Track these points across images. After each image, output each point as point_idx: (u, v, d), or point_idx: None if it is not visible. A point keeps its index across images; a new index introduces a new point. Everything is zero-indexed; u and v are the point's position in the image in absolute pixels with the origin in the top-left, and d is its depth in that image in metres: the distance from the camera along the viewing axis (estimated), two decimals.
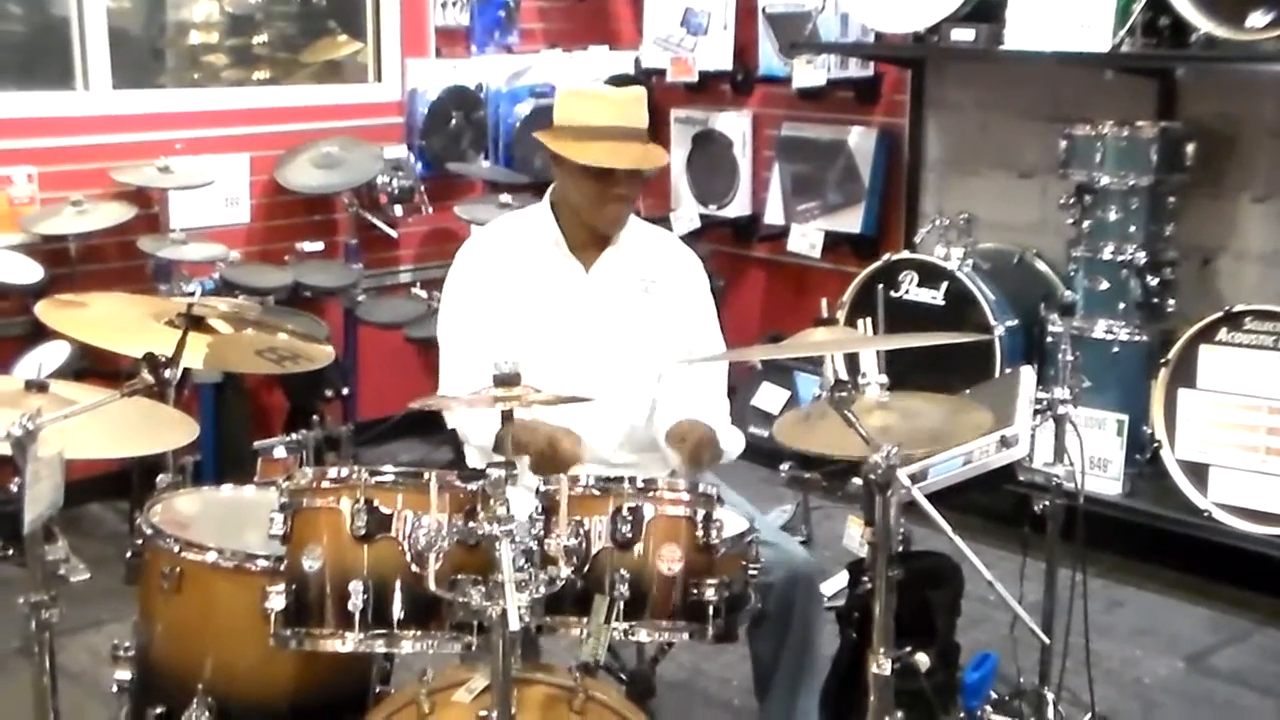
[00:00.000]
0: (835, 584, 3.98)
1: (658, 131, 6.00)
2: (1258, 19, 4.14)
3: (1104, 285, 4.64)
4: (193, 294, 3.05)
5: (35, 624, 2.36)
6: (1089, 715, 3.43)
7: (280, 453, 3.07)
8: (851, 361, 2.89)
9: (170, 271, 4.87)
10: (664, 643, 2.70)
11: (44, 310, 2.95)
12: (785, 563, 2.92)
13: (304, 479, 2.42)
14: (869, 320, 3.19)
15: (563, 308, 3.11)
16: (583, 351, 3.06)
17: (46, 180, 4.87)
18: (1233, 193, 4.77)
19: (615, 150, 2.98)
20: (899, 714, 2.51)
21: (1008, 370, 4.52)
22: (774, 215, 6.02)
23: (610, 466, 3.01)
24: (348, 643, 2.34)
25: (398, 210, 5.59)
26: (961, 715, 3.27)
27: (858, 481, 2.48)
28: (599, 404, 2.68)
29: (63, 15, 5.04)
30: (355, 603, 2.32)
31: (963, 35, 4.89)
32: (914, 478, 2.53)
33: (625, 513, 2.41)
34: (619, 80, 5.98)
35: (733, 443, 3.09)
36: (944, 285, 4.87)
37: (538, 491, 2.45)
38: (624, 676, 2.98)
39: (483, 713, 2.21)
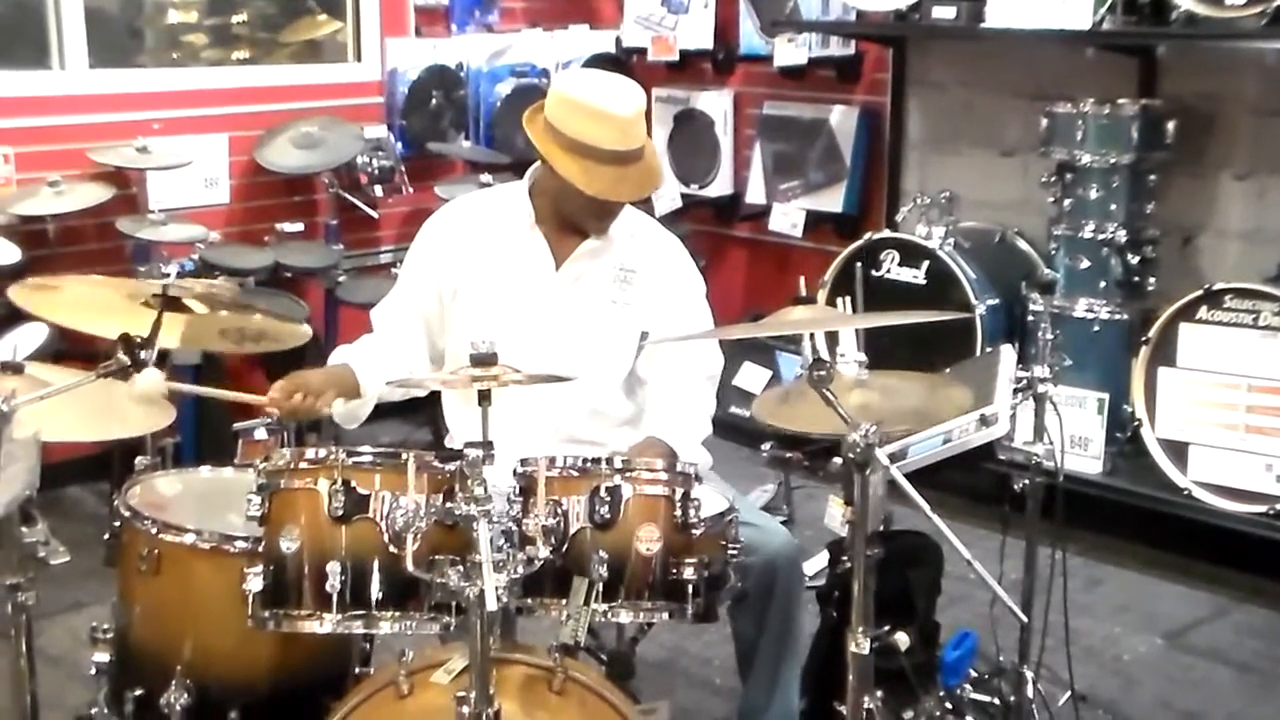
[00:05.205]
0: (816, 564, 3.98)
1: None
2: None
3: (1085, 263, 4.65)
4: (168, 275, 3.03)
5: (12, 607, 2.35)
6: (1068, 693, 3.43)
7: (261, 434, 3.04)
8: (832, 341, 2.89)
9: (149, 252, 4.85)
10: (644, 623, 2.70)
11: (18, 293, 2.92)
12: (766, 544, 2.91)
13: (281, 460, 2.42)
14: (848, 299, 3.19)
15: (527, 298, 3.06)
16: (541, 339, 3.01)
17: (23, 161, 4.83)
18: (1213, 170, 4.77)
19: (620, 180, 2.92)
20: (879, 693, 2.52)
21: (988, 349, 4.53)
22: (755, 194, 6.02)
23: (576, 442, 2.99)
24: (326, 624, 2.34)
25: (378, 190, 5.57)
26: (941, 694, 3.28)
27: (839, 461, 2.48)
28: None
29: None
30: (333, 584, 2.32)
31: (944, 13, 4.88)
32: (893, 457, 2.53)
33: (603, 493, 2.41)
34: (603, 62, 5.97)
35: (695, 458, 3.00)
36: (925, 264, 4.87)
37: (515, 472, 2.45)
38: (604, 657, 2.99)
39: (461, 693, 2.20)
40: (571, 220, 3.06)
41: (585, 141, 2.90)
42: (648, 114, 6.10)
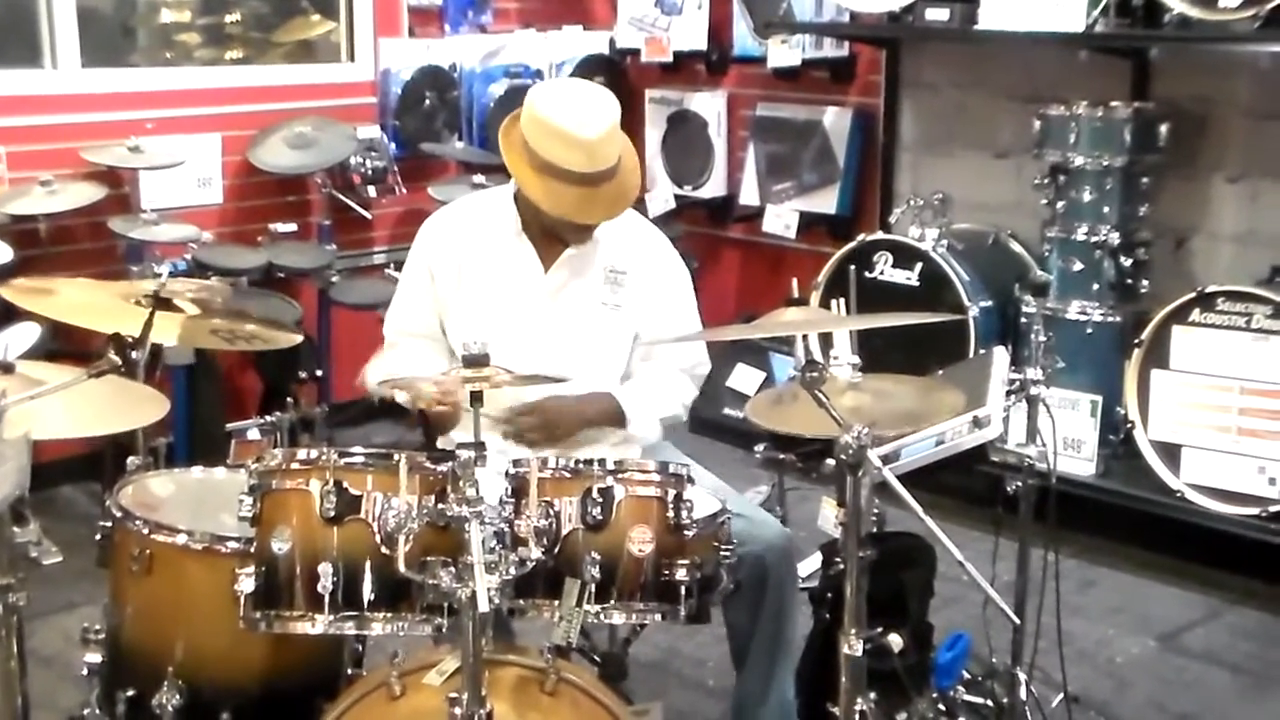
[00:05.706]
0: (810, 565, 3.98)
1: (632, 112, 6.01)
2: None
3: (1078, 266, 4.65)
4: (161, 276, 3.02)
5: (3, 607, 2.34)
6: (1061, 695, 3.44)
7: (254, 435, 3.06)
8: (826, 343, 2.89)
9: (142, 252, 4.83)
10: (636, 624, 2.70)
11: (11, 292, 2.92)
12: (758, 535, 2.91)
13: (273, 461, 2.42)
14: (842, 301, 3.19)
15: (517, 302, 3.07)
16: (534, 344, 3.01)
17: (15, 160, 4.82)
18: (1206, 173, 4.77)
19: (586, 200, 2.91)
20: (871, 694, 2.52)
21: (981, 351, 4.53)
22: (749, 196, 6.01)
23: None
24: (317, 625, 2.34)
25: (371, 191, 5.56)
26: (934, 695, 3.28)
27: (832, 463, 2.48)
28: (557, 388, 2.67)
29: None
30: (325, 585, 2.32)
31: (937, 15, 4.88)
32: (886, 458, 2.53)
33: (596, 494, 2.41)
34: (590, 65, 5.98)
35: (645, 430, 3.06)
36: (918, 266, 4.86)
37: (508, 473, 2.45)
38: (597, 658, 2.98)
39: (453, 694, 2.20)
40: (551, 231, 3.06)
41: (552, 162, 2.89)
42: (641, 119, 6.15)
